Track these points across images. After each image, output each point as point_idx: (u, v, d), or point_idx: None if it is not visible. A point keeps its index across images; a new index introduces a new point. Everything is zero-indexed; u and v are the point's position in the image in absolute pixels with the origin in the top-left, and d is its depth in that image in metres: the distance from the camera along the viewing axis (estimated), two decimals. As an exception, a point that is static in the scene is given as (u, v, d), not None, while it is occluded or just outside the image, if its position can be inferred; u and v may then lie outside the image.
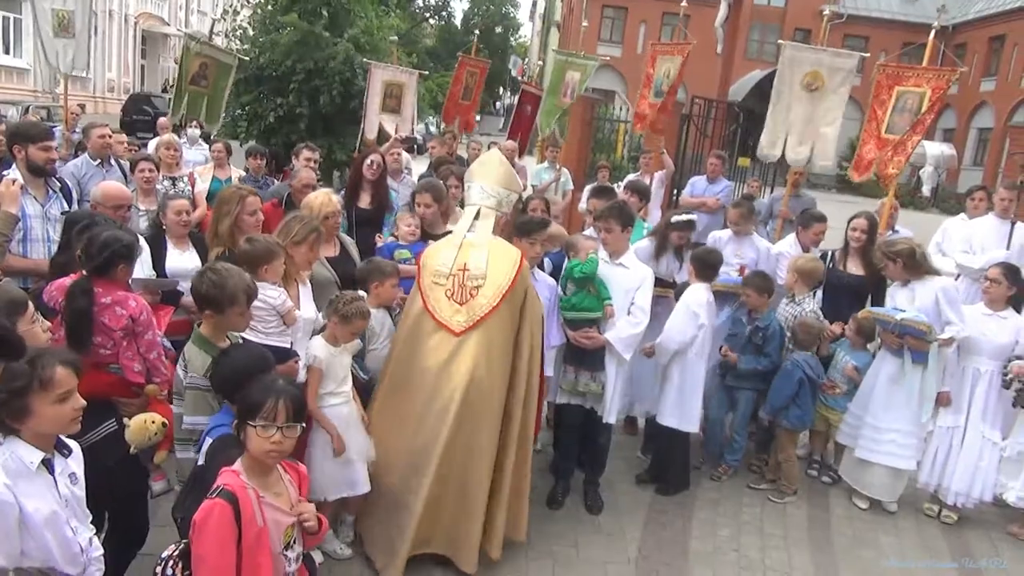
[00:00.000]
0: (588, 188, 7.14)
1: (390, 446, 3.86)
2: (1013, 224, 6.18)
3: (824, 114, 6.95)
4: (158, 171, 5.81)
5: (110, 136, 6.19)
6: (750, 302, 5.05)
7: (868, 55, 7.53)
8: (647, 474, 5.08)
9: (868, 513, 4.99)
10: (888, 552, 4.55)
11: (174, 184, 6.63)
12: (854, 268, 5.47)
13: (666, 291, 5.17)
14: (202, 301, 3.08)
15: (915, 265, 4.96)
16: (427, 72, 10.10)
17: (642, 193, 6.20)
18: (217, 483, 2.32)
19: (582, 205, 7.37)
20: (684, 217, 5.38)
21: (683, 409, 4.84)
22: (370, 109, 9.47)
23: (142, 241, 4.15)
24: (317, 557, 3.81)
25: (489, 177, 4.05)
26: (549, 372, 4.45)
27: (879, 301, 5.35)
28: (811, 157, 7.11)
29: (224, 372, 2.79)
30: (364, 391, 4.11)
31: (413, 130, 10.27)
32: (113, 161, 6.26)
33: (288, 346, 3.41)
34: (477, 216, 3.99)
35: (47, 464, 2.18)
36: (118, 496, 3.25)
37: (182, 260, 4.43)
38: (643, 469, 5.14)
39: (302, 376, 3.59)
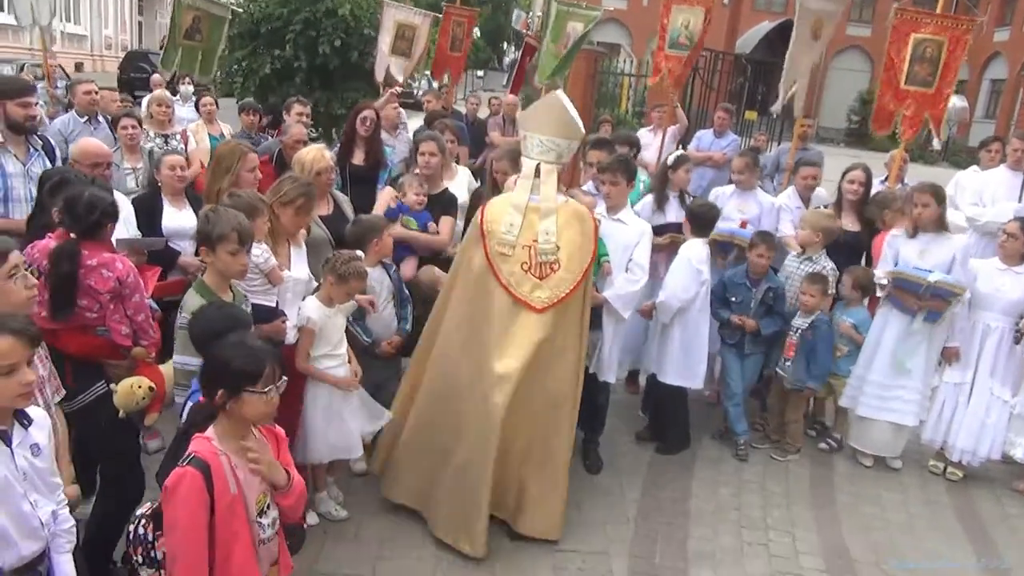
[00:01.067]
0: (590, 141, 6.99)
1: (454, 415, 3.70)
2: (1025, 176, 6.00)
3: (814, 60, 6.80)
4: (141, 127, 5.65)
5: (96, 92, 6.03)
6: (762, 263, 4.85)
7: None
8: (647, 432, 5.02)
9: (872, 471, 4.93)
10: (891, 508, 4.50)
11: (166, 142, 6.48)
12: (849, 223, 5.25)
13: (678, 236, 4.97)
14: (199, 237, 3.05)
15: (943, 215, 4.83)
16: (440, 15, 9.76)
17: (634, 144, 6.06)
18: (189, 450, 2.25)
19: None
20: (676, 153, 5.25)
21: (688, 366, 4.74)
22: (380, 50, 9.21)
23: (122, 199, 4.05)
24: (312, 519, 3.81)
25: (547, 127, 3.63)
26: None
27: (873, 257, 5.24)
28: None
29: (195, 331, 2.71)
30: (366, 353, 4.04)
31: (415, 79, 10.06)
32: (101, 118, 6.12)
33: (274, 305, 3.32)
34: (537, 173, 3.65)
35: (3, 437, 2.09)
36: (109, 455, 3.21)
37: (179, 218, 4.31)
38: (643, 427, 5.07)
39: (291, 337, 3.51)
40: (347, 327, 3.87)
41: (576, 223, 3.68)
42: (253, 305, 3.19)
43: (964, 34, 6.00)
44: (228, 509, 2.23)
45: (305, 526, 2.89)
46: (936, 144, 26.82)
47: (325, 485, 3.94)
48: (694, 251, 4.69)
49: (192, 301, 2.95)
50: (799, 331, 4.84)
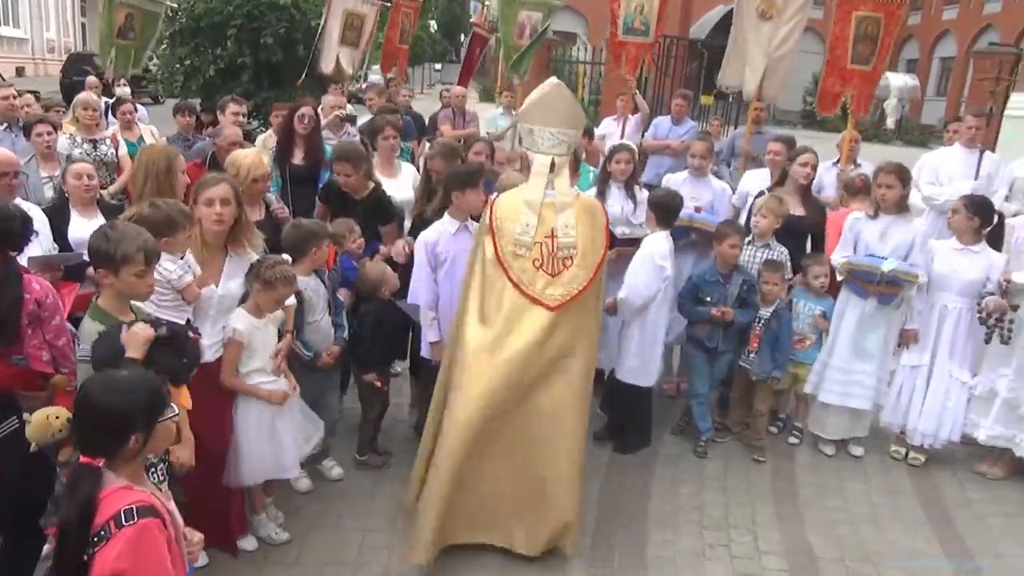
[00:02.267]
0: None
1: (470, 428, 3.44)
2: (981, 153, 5.95)
3: (780, 43, 6.63)
4: (61, 132, 5.34)
5: (16, 98, 5.70)
6: (735, 254, 4.67)
7: None
8: (605, 431, 4.87)
9: (834, 460, 4.84)
10: (853, 500, 4.41)
11: (95, 147, 6.16)
12: (794, 207, 5.06)
13: (630, 248, 4.74)
14: (96, 258, 2.72)
15: (906, 197, 4.77)
16: (389, 3, 9.50)
17: (586, 131, 5.90)
18: (118, 507, 1.92)
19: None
20: (619, 142, 5.09)
21: (643, 364, 4.60)
22: (328, 40, 8.86)
23: (38, 213, 3.79)
24: (250, 544, 3.59)
25: (557, 120, 3.46)
26: None
27: (821, 242, 5.13)
28: (762, 89, 6.84)
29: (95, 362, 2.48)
30: (305, 366, 3.83)
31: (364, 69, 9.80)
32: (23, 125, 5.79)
33: (184, 322, 3.08)
34: (551, 168, 3.47)
35: None
36: (19, 494, 2.95)
37: (88, 229, 4.00)
38: (601, 427, 4.92)
39: (209, 355, 3.27)
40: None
41: (588, 217, 3.53)
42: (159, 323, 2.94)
43: (898, 8, 5.96)
44: (174, 548, 2.04)
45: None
46: (889, 123, 27.24)
47: (263, 507, 3.72)
48: (656, 246, 4.52)
49: (90, 329, 2.66)
50: (763, 321, 4.72)
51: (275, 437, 3.51)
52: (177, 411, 2.19)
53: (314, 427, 3.72)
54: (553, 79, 3.68)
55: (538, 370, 3.42)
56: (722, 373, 4.89)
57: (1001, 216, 4.97)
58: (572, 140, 3.56)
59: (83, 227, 4.02)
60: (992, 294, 4.50)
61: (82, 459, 2.04)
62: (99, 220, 4.05)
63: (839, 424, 4.89)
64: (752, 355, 4.75)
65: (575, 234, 3.45)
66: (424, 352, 4.17)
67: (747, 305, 4.68)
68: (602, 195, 5.09)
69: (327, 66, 8.89)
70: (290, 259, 3.60)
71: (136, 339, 2.52)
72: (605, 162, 5.20)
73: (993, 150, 6.85)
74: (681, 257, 4.98)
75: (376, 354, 4.27)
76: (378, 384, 4.25)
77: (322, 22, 8.93)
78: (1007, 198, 5.85)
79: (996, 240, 4.82)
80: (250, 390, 3.45)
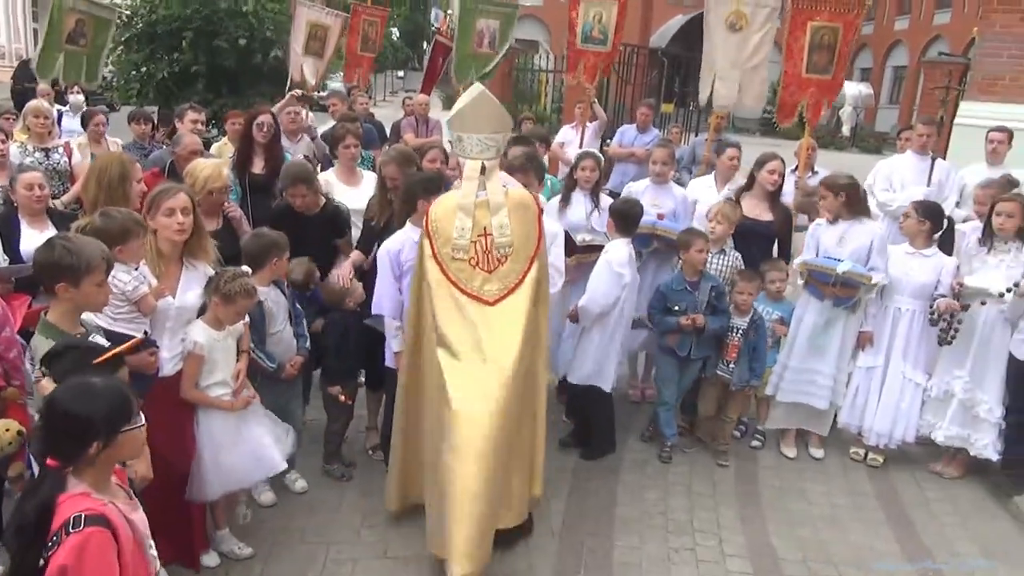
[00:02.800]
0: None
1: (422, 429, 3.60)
2: (933, 160, 6.11)
3: (751, 54, 6.73)
4: (8, 139, 5.19)
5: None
6: (702, 259, 4.67)
7: None
8: (571, 438, 4.87)
9: (795, 462, 4.92)
10: (815, 501, 4.48)
11: (47, 156, 6.01)
12: (763, 212, 5.14)
13: (589, 256, 4.78)
14: (55, 272, 2.63)
15: (856, 202, 4.82)
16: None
17: (545, 140, 5.94)
18: (70, 514, 1.91)
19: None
20: (585, 150, 5.14)
21: (600, 367, 4.62)
22: (293, 51, 8.95)
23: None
24: (212, 560, 3.52)
25: (482, 125, 3.55)
26: None
27: (787, 247, 5.22)
28: (738, 99, 6.92)
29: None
30: (272, 379, 3.79)
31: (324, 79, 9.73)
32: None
33: (140, 335, 3.02)
34: (482, 171, 3.55)
35: None
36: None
37: (39, 240, 3.90)
38: (566, 433, 4.93)
39: (167, 369, 3.21)
40: (249, 354, 3.61)
41: (520, 211, 3.60)
42: (115, 335, 2.87)
43: (856, 18, 6.09)
44: (132, 558, 1.99)
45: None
46: (845, 130, 27.83)
47: (225, 522, 3.65)
48: (616, 253, 4.55)
49: (42, 346, 2.59)
50: (740, 331, 4.72)
51: (238, 448, 3.44)
52: (144, 421, 2.14)
53: (284, 430, 3.67)
54: (477, 85, 3.76)
55: (492, 364, 3.43)
56: (692, 380, 4.88)
57: (951, 221, 5.11)
58: (499, 143, 3.65)
59: (34, 239, 3.90)
60: (944, 296, 4.62)
61: (48, 462, 2.00)
62: (50, 231, 3.95)
63: (796, 416, 5.01)
64: (731, 365, 4.75)
65: (510, 233, 3.54)
66: (389, 362, 4.13)
67: (718, 312, 4.68)
68: (566, 201, 5.12)
69: (296, 74, 8.85)
70: (249, 270, 3.56)
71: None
72: (571, 169, 5.23)
73: (944, 157, 7.03)
74: (642, 266, 5.02)
75: (341, 366, 4.23)
76: (342, 398, 4.21)
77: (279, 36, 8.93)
78: (958, 204, 6.01)
79: (947, 245, 4.96)
80: (211, 402, 3.39)
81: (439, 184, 4.21)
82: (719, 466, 4.77)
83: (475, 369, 3.42)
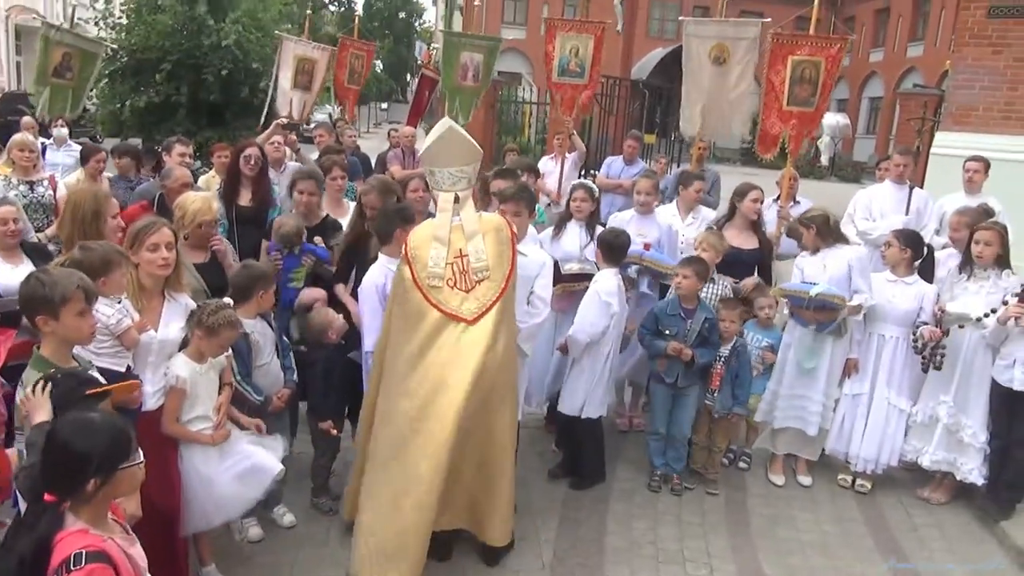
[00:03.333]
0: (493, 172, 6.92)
1: (389, 452, 3.61)
2: (911, 189, 6.22)
3: (735, 84, 6.90)
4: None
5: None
6: (687, 284, 4.64)
7: (769, 20, 7.48)
8: (560, 468, 4.86)
9: (784, 490, 4.93)
10: (804, 529, 4.49)
11: (32, 189, 5.99)
12: (747, 241, 5.25)
13: (584, 285, 4.78)
14: (32, 305, 2.61)
15: (828, 232, 4.89)
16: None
17: (533, 170, 6.02)
18: (71, 551, 1.92)
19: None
20: (578, 181, 5.21)
21: (590, 397, 4.62)
22: (280, 85, 8.98)
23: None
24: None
25: (452, 160, 3.73)
26: None
27: (769, 274, 5.29)
28: (730, 128, 7.09)
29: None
30: (257, 412, 3.74)
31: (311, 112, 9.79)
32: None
33: (124, 369, 3.00)
34: (456, 201, 3.73)
35: None
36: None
37: (14, 276, 3.83)
38: (555, 464, 4.91)
39: (150, 403, 3.18)
40: (235, 387, 3.59)
41: (494, 234, 3.75)
42: (100, 370, 2.85)
43: (838, 53, 6.23)
44: None
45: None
46: (824, 160, 28.26)
47: (211, 557, 3.60)
48: (604, 284, 4.58)
49: (33, 380, 2.54)
50: (722, 359, 4.74)
51: (221, 481, 3.40)
52: (143, 458, 2.14)
53: (273, 447, 3.61)
54: (445, 120, 3.90)
55: (462, 376, 3.52)
56: (692, 412, 4.78)
57: (931, 249, 5.20)
58: (470, 175, 3.80)
59: (9, 274, 3.88)
60: (926, 323, 4.69)
61: (46, 497, 2.01)
62: (27, 267, 3.89)
63: (789, 440, 5.05)
64: (716, 393, 4.75)
65: (486, 259, 3.68)
66: None
67: (708, 344, 4.66)
68: (559, 231, 5.16)
69: (283, 108, 8.89)
70: (231, 301, 3.55)
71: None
72: (567, 200, 5.31)
73: (922, 186, 7.16)
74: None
75: (330, 404, 4.19)
76: (333, 432, 4.17)
77: (275, 68, 8.96)
78: (937, 232, 6.12)
79: (927, 272, 5.05)
80: (192, 437, 3.34)
81: (414, 215, 4.28)
82: (708, 495, 4.77)
83: (433, 392, 3.53)
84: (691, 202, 5.86)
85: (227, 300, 3.51)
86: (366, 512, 3.60)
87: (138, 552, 2.15)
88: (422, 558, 3.48)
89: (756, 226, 5.34)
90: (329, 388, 4.15)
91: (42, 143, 7.94)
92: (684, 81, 7.07)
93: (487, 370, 3.55)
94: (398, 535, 3.46)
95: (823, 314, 4.76)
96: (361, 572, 3.52)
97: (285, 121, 6.75)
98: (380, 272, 4.08)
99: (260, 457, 3.47)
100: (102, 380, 2.64)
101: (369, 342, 4.00)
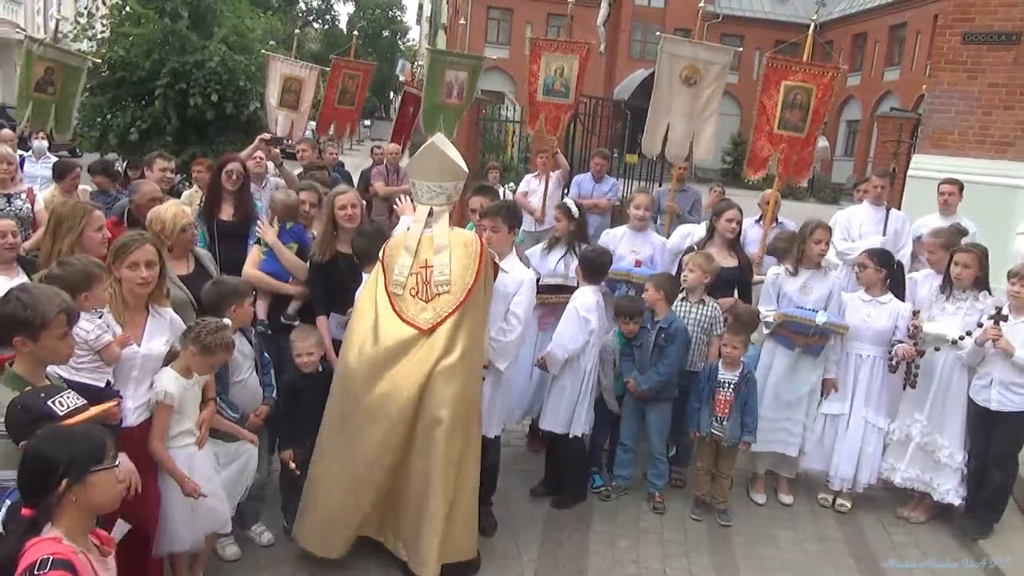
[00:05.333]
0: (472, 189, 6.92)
1: (343, 461, 3.74)
2: (888, 211, 6.30)
3: (703, 107, 6.95)
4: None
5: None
6: (653, 296, 4.70)
7: (741, 50, 7.60)
8: (541, 487, 4.84)
9: (765, 508, 4.94)
10: (786, 548, 4.49)
11: (9, 202, 5.92)
12: (726, 259, 5.21)
13: (562, 297, 4.83)
14: (10, 327, 2.55)
15: (803, 255, 4.97)
16: (327, 68, 9.52)
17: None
18: (37, 556, 1.92)
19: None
20: (563, 202, 5.23)
21: (572, 414, 4.62)
22: (268, 104, 9.11)
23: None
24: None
25: (432, 174, 3.91)
26: None
27: (748, 292, 5.32)
28: (690, 151, 7.11)
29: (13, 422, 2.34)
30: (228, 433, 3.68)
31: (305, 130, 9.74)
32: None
33: (103, 384, 2.95)
34: (430, 213, 3.90)
35: None
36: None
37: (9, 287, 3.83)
38: (537, 483, 4.89)
39: (131, 419, 3.13)
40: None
41: (460, 248, 3.85)
42: (78, 386, 2.80)
43: (830, 81, 6.35)
44: None
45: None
46: (803, 182, 28.60)
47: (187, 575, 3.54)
48: (582, 300, 4.60)
49: (4, 398, 2.48)
50: (731, 385, 4.64)
51: (206, 498, 3.35)
52: (119, 463, 2.13)
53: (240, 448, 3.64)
54: (438, 135, 4.07)
55: (413, 387, 3.62)
56: (664, 426, 4.75)
57: (900, 266, 5.26)
58: (450, 190, 3.93)
59: (4, 286, 3.81)
60: (902, 342, 4.74)
61: (24, 511, 2.02)
62: (21, 277, 3.85)
63: (769, 459, 5.07)
64: (725, 422, 4.64)
65: (449, 271, 3.78)
66: None
67: (665, 353, 4.62)
68: (549, 249, 5.17)
69: (272, 126, 8.88)
70: (229, 322, 3.52)
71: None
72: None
73: (899, 208, 7.26)
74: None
75: (295, 429, 4.02)
76: (292, 465, 3.94)
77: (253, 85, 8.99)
78: (913, 254, 6.20)
79: (897, 288, 5.11)
80: (173, 471, 3.26)
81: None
82: (721, 526, 4.65)
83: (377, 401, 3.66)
84: (640, 224, 5.64)
85: (226, 321, 3.47)
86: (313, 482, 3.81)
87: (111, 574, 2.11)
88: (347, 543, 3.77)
89: (734, 245, 5.35)
90: (293, 412, 4.02)
91: (20, 155, 7.85)
92: (652, 98, 7.11)
93: (435, 380, 3.61)
94: (330, 513, 3.72)
95: (819, 339, 4.79)
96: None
97: (268, 136, 6.72)
98: None
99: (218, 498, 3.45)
100: (71, 403, 2.53)
101: None
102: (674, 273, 5.21)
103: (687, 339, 4.76)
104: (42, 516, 2.01)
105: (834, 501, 5.00)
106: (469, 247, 3.85)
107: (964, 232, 5.53)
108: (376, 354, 3.70)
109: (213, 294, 3.74)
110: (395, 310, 3.76)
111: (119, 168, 7.91)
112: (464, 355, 3.70)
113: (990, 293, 4.73)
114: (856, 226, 6.38)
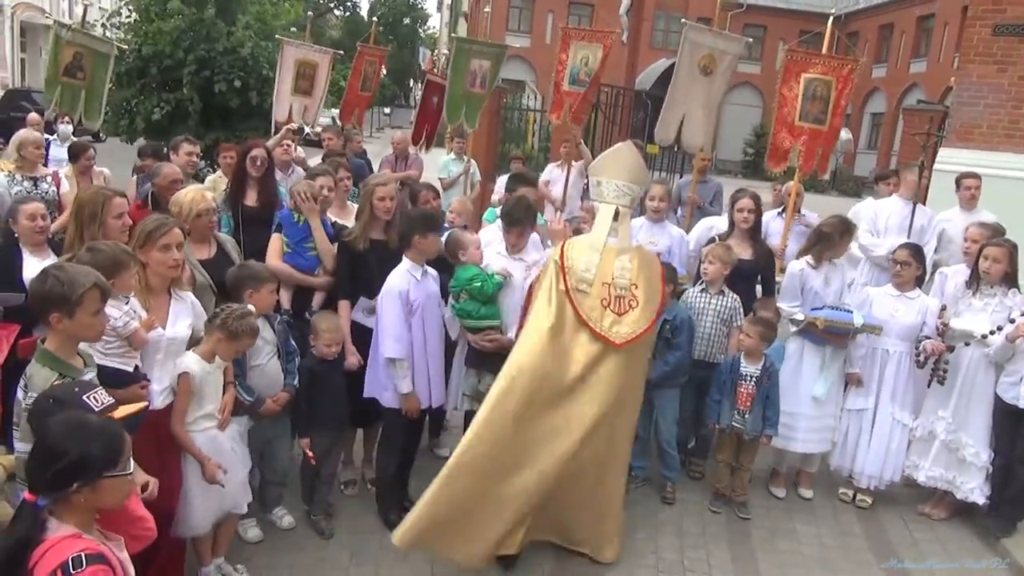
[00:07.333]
0: (502, 178, 6.92)
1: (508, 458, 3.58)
2: (914, 206, 6.22)
3: (713, 96, 6.93)
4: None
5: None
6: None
7: (751, 40, 7.49)
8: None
9: (785, 502, 4.92)
10: (805, 541, 4.47)
11: (36, 185, 5.99)
12: (744, 251, 5.14)
13: None
14: (47, 303, 2.57)
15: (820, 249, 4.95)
16: (342, 52, 9.46)
17: (533, 182, 5.97)
18: (65, 555, 1.87)
19: (495, 196, 7.13)
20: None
21: None
22: (281, 89, 8.82)
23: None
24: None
25: (624, 173, 3.80)
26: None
27: (771, 285, 5.27)
28: (700, 139, 7.08)
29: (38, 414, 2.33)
30: (247, 413, 3.71)
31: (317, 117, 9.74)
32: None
33: (132, 369, 2.98)
34: (615, 217, 3.80)
35: None
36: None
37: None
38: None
39: (157, 402, 3.17)
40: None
41: (648, 267, 3.85)
42: (107, 370, 2.84)
43: (850, 73, 6.27)
44: None
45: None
46: (825, 174, 28.33)
47: (210, 557, 3.58)
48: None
49: (39, 376, 2.51)
50: (753, 379, 4.61)
51: (224, 482, 3.39)
52: (132, 470, 2.10)
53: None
54: (628, 141, 4.05)
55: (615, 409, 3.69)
56: (671, 418, 4.72)
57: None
58: (635, 194, 3.89)
59: (37, 268, 3.85)
60: (929, 338, 4.69)
61: (25, 495, 1.96)
62: (52, 260, 3.89)
63: (792, 454, 5.03)
64: (747, 415, 4.61)
65: (630, 276, 3.75)
66: (389, 403, 4.04)
67: (670, 347, 4.59)
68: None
69: (282, 114, 8.83)
70: (254, 308, 3.55)
71: None
72: None
73: (925, 202, 7.17)
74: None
75: (314, 417, 4.01)
76: (309, 454, 3.96)
77: (277, 72, 8.92)
78: (936, 249, 6.13)
79: (920, 284, 5.03)
80: (192, 452, 3.31)
81: (437, 222, 4.24)
82: (740, 519, 4.65)
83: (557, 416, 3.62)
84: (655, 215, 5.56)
85: (250, 307, 3.50)
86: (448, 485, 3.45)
87: (125, 558, 2.12)
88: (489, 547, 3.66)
89: (753, 235, 5.26)
90: (313, 400, 4.01)
91: (46, 139, 7.94)
92: (671, 84, 7.05)
93: (624, 397, 3.73)
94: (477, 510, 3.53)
95: (842, 338, 4.78)
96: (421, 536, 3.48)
97: (296, 126, 6.73)
98: (403, 279, 3.98)
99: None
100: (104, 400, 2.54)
101: (391, 348, 3.89)
102: (697, 265, 5.18)
103: (692, 329, 4.72)
104: (48, 507, 1.96)
105: (854, 496, 4.97)
106: (653, 267, 3.90)
107: (1002, 231, 5.40)
108: (560, 368, 3.58)
109: (233, 277, 3.79)
110: (582, 319, 3.65)
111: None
112: (644, 371, 3.98)
113: (1020, 290, 4.65)
114: (883, 219, 6.30)
